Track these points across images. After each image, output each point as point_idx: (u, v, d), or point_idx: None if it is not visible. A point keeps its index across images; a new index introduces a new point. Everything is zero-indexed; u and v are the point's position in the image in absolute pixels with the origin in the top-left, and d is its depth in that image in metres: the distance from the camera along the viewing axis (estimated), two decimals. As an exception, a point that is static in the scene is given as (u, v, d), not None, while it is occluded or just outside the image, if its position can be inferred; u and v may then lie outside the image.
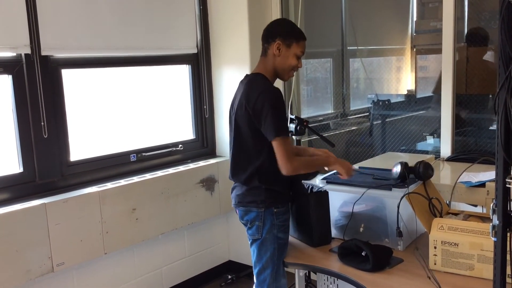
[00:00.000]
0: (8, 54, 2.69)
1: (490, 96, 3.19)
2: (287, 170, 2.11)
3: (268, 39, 2.24)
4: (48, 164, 2.87)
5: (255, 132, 2.16)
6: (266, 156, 2.17)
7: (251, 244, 2.28)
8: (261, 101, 2.11)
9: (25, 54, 2.73)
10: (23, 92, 2.75)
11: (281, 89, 3.42)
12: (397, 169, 2.16)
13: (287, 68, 2.24)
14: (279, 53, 2.20)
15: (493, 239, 1.37)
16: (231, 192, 2.34)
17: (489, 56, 3.25)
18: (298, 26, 3.57)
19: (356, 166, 2.61)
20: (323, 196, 2.27)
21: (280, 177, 2.19)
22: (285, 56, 2.21)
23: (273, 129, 2.09)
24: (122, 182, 3.09)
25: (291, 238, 2.38)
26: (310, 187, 2.35)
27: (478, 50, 3.30)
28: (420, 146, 3.43)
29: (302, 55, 2.27)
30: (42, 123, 2.81)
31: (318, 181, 2.34)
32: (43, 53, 2.79)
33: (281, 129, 2.10)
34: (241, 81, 2.31)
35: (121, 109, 3.32)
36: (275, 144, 2.10)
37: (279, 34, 2.21)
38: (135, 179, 3.17)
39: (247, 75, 2.31)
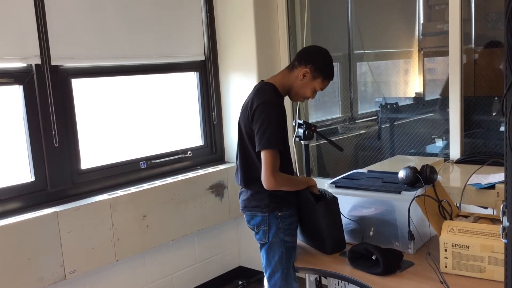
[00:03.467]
0: (19, 64, 2.73)
1: (496, 98, 3.18)
2: (269, 185, 2.10)
3: (301, 60, 2.24)
4: (60, 173, 2.90)
5: (254, 138, 2.17)
6: None
7: (260, 248, 2.29)
8: (260, 110, 2.12)
9: (35, 65, 2.76)
10: (34, 102, 2.78)
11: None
12: (403, 174, 2.15)
13: (300, 95, 2.29)
14: (302, 79, 2.23)
15: (503, 240, 1.36)
16: (239, 197, 2.36)
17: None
18: (304, 31, 3.66)
19: (365, 170, 2.61)
20: (332, 203, 2.22)
21: None
22: (305, 85, 2.25)
23: (263, 141, 2.09)
24: (133, 189, 3.12)
25: (302, 243, 2.38)
26: (321, 193, 2.30)
27: (486, 52, 3.30)
28: (429, 148, 3.42)
29: (320, 91, 2.30)
30: (53, 132, 2.84)
31: (326, 185, 2.33)
32: (53, 63, 2.82)
33: (271, 142, 2.09)
34: (254, 86, 2.32)
35: (130, 117, 3.35)
36: (262, 156, 2.11)
37: (312, 63, 2.22)
38: (145, 186, 3.19)
39: (261, 82, 2.32)
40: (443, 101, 3.26)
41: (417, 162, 2.95)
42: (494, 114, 3.13)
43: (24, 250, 2.58)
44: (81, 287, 2.93)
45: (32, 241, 2.61)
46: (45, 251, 2.66)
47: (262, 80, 2.33)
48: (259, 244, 2.29)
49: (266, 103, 2.14)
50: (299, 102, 3.68)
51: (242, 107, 2.28)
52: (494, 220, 2.06)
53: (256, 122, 2.13)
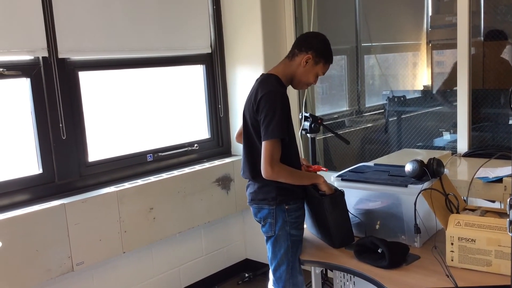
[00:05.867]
0: (26, 57, 2.74)
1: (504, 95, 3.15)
2: (266, 173, 2.11)
3: (301, 47, 2.25)
4: (67, 165, 2.92)
5: (259, 129, 2.17)
6: None
7: (266, 241, 2.30)
8: (264, 100, 2.13)
9: (43, 57, 2.77)
10: (41, 95, 2.80)
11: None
12: (409, 167, 2.14)
13: (304, 82, 2.30)
14: (305, 65, 2.24)
15: (510, 234, 1.35)
16: (246, 190, 2.36)
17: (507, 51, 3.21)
18: (311, 24, 3.64)
19: (371, 163, 2.60)
20: (338, 198, 2.21)
21: None
22: (308, 71, 2.26)
23: (266, 131, 2.10)
24: (139, 181, 3.13)
25: (310, 236, 2.38)
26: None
27: (495, 45, 3.26)
28: (437, 142, 3.41)
29: (322, 75, 2.32)
30: (61, 125, 2.86)
31: (332, 179, 2.33)
32: (60, 56, 2.83)
33: (274, 132, 2.09)
34: (256, 80, 2.33)
35: (137, 110, 3.36)
36: (263, 146, 2.11)
37: (313, 48, 2.24)
38: (152, 178, 3.20)
39: (262, 74, 2.33)
40: (452, 94, 3.24)
41: (424, 155, 2.94)
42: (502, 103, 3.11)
43: (32, 242, 2.60)
44: (89, 278, 2.96)
45: (40, 233, 2.63)
46: (53, 243, 2.68)
47: (263, 73, 2.33)
48: (265, 237, 2.30)
49: (270, 93, 2.14)
50: (305, 94, 3.67)
51: (246, 99, 2.29)
52: (501, 214, 2.05)
53: (261, 113, 2.13)
